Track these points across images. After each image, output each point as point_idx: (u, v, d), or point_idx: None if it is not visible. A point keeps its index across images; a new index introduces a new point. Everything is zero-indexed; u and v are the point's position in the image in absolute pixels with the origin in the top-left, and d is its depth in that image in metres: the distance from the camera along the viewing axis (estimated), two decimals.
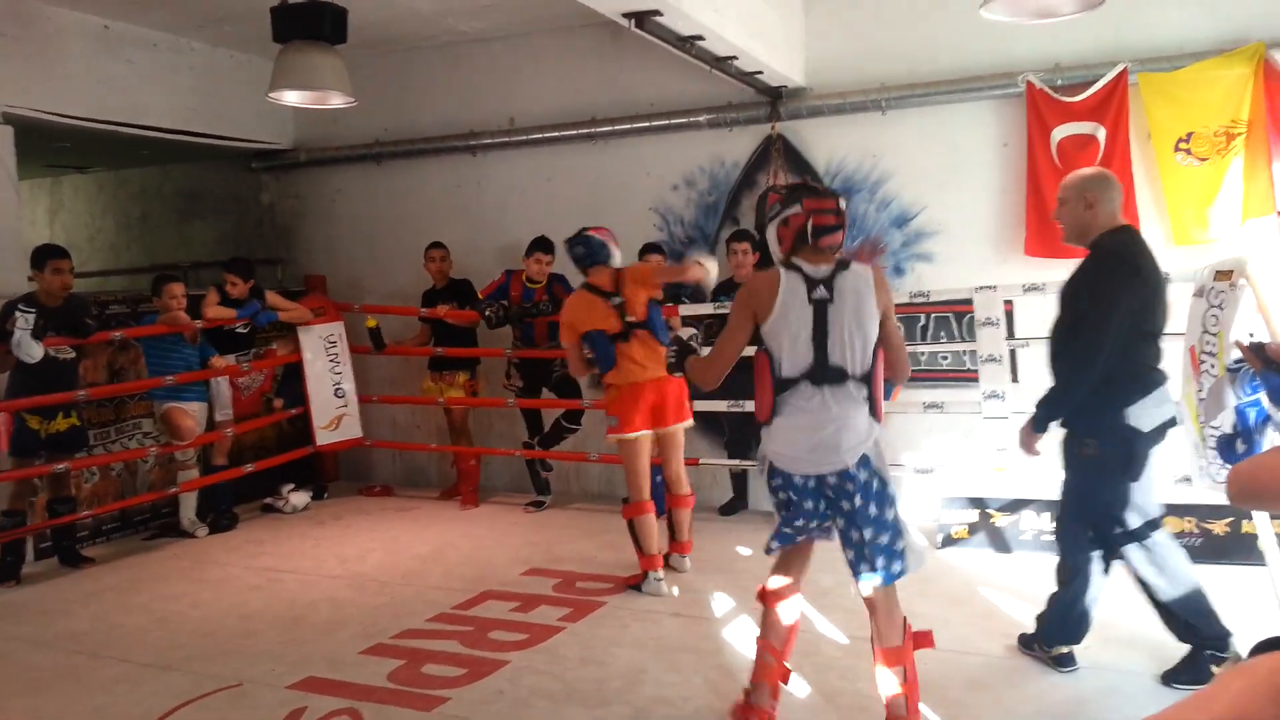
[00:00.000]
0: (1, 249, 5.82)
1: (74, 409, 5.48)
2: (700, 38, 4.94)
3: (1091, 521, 3.52)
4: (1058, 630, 3.65)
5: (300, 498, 6.87)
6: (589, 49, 6.77)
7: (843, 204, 3.11)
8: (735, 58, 5.37)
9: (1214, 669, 3.44)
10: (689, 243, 6.62)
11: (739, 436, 6.14)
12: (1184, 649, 3.54)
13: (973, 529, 5.29)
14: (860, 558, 3.03)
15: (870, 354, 3.00)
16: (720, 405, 5.99)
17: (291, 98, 5.45)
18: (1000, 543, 5.21)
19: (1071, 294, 3.50)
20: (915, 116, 5.94)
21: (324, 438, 6.89)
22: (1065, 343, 3.49)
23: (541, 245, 6.30)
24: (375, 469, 7.78)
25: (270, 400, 6.81)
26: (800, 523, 3.13)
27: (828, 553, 5.28)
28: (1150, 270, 3.42)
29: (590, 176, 6.88)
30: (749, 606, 4.49)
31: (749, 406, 5.77)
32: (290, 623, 4.55)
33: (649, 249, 6.23)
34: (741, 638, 4.12)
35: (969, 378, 5.65)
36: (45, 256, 5.32)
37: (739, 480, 6.29)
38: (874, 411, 3.02)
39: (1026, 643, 3.82)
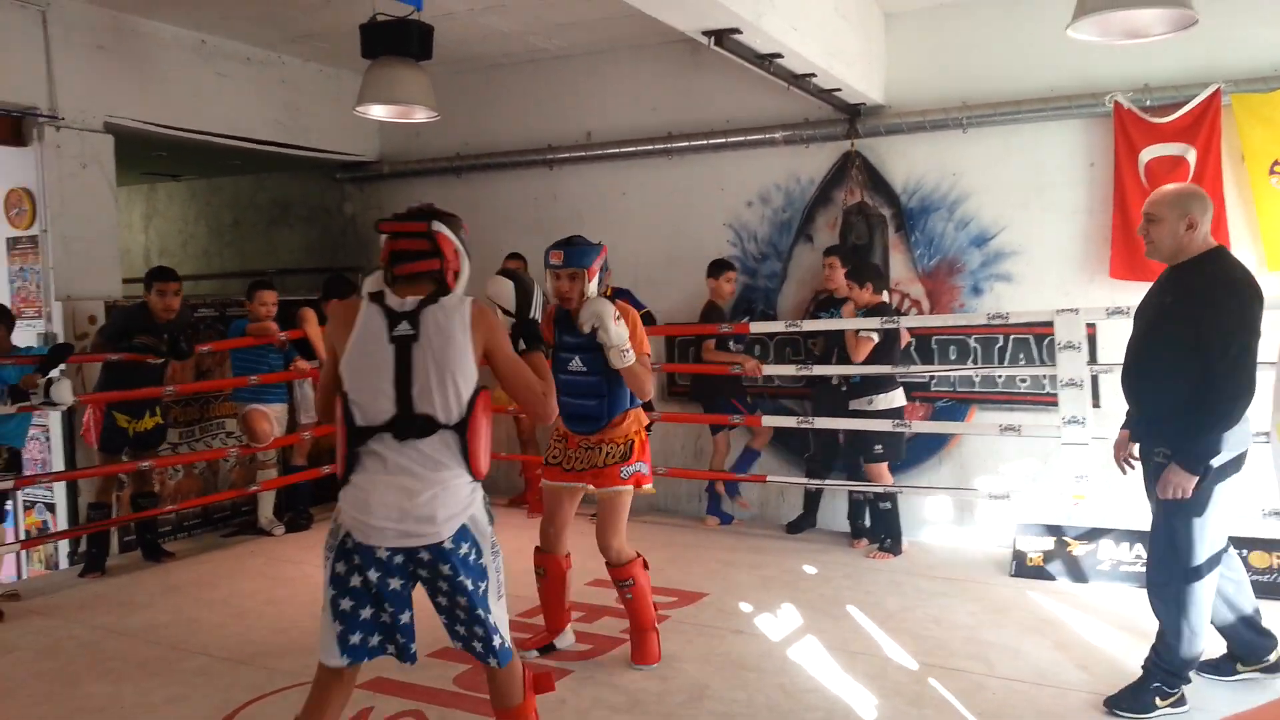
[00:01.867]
0: (99, 254, 6.09)
1: (159, 407, 5.69)
2: (779, 55, 4.94)
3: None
4: None
5: None
6: (667, 66, 6.82)
7: (440, 226, 2.62)
8: (814, 75, 5.35)
9: (1158, 702, 3.41)
10: (762, 259, 6.60)
11: (822, 455, 6.08)
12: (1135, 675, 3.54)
13: (1048, 557, 5.15)
14: (471, 638, 2.65)
15: (466, 400, 2.55)
16: (790, 421, 5.97)
17: (378, 112, 5.60)
18: (1077, 572, 5.06)
19: (1185, 315, 3.31)
20: (998, 135, 5.85)
21: None
22: (1182, 366, 3.28)
23: None
24: None
25: None
26: (358, 637, 2.60)
27: (893, 574, 5.23)
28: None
29: (665, 192, 6.91)
30: (815, 627, 4.45)
31: (820, 423, 5.78)
32: None
33: (722, 266, 6.25)
34: (806, 659, 4.08)
35: (1048, 401, 5.52)
36: (152, 278, 5.55)
37: (811, 498, 6.23)
38: (473, 468, 2.57)
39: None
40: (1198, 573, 3.34)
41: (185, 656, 4.23)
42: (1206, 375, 3.22)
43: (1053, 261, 5.76)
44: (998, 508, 5.72)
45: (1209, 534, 3.33)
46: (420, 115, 5.62)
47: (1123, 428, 3.77)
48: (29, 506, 6.25)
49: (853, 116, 6.15)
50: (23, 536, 6.13)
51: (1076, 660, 3.99)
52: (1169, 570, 3.39)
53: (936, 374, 6.00)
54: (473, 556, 2.57)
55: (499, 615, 2.66)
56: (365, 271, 8.09)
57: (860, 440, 5.66)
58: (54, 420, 5.87)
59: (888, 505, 5.64)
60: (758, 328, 6.13)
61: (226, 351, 6.35)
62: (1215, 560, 3.38)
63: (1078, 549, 5.11)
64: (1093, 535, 5.11)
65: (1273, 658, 3.64)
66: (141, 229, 10.29)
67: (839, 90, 5.72)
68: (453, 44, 6.43)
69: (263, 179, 9.25)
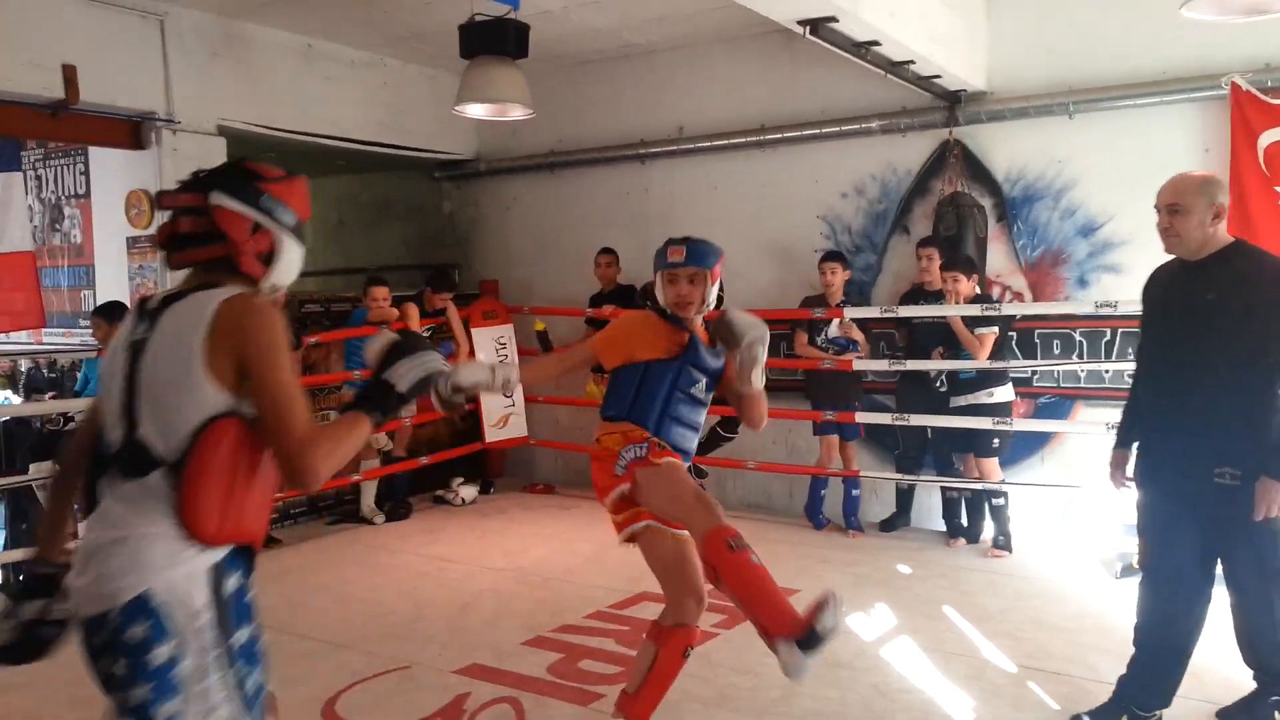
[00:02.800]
0: None
1: None
2: (876, 43, 4.85)
3: None
4: None
5: (469, 491, 7.17)
6: (759, 57, 6.76)
7: (221, 199, 1.95)
8: (912, 62, 5.24)
9: (1278, 716, 3.18)
10: (856, 252, 6.50)
11: (910, 451, 5.97)
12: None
13: None
14: None
15: (191, 429, 1.81)
16: (884, 418, 5.87)
17: (476, 111, 5.70)
18: None
19: (1238, 311, 3.02)
20: (1106, 120, 5.63)
21: (492, 435, 7.17)
22: (1242, 371, 2.99)
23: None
24: (538, 467, 8.01)
25: None
26: None
27: (991, 575, 5.09)
28: None
29: (757, 184, 6.87)
30: (910, 626, 4.37)
31: (916, 420, 5.67)
32: (457, 610, 4.75)
33: (830, 256, 6.09)
34: (901, 658, 4.01)
35: None
36: None
37: (904, 496, 6.12)
38: (188, 523, 1.80)
39: None
40: None
41: (292, 640, 4.39)
42: None
43: (1164, 252, 5.50)
44: (1103, 507, 5.51)
45: None
46: (516, 113, 5.70)
47: (1118, 446, 3.45)
48: None
49: (953, 104, 6.00)
50: None
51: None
52: (1257, 590, 3.14)
53: (1039, 369, 5.82)
54: (159, 648, 1.76)
55: None
56: (459, 267, 8.34)
57: (973, 435, 5.51)
58: None
59: (1001, 501, 5.49)
60: (851, 313, 6.01)
61: (333, 346, 6.57)
62: None
63: None
64: None
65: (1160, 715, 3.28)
66: None
67: (938, 77, 5.58)
68: (548, 42, 6.49)
69: (365, 179, 9.51)
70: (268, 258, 2.00)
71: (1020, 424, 5.63)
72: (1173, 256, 3.25)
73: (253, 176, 2.02)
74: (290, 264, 2.04)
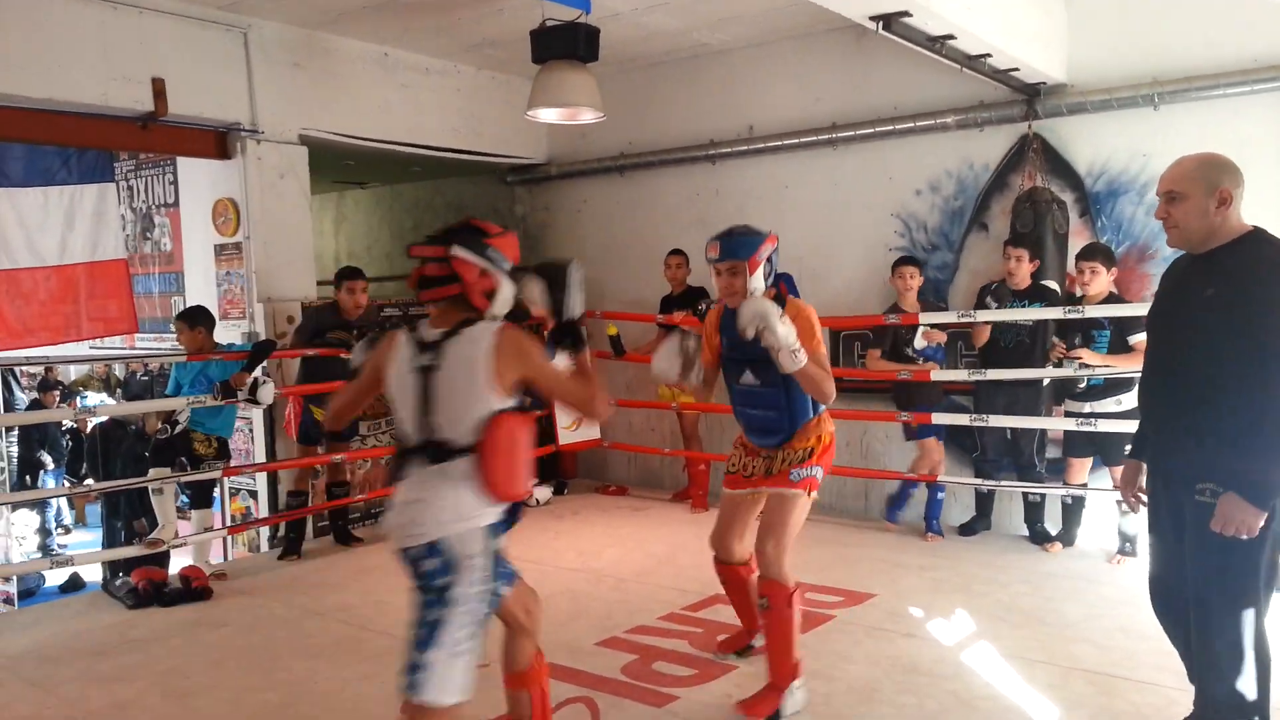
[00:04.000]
0: (294, 257, 6.53)
1: None
2: (951, 37, 4.77)
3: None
4: None
5: (543, 492, 7.23)
6: (830, 54, 6.69)
7: (458, 251, 2.57)
8: (989, 55, 5.13)
9: None
10: (932, 250, 6.39)
11: (991, 455, 5.83)
12: None
13: None
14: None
15: (480, 421, 2.54)
16: (963, 419, 5.75)
17: (547, 115, 5.76)
18: None
19: (1234, 307, 2.68)
20: (1194, 112, 5.43)
21: (566, 437, 7.23)
22: (1233, 374, 2.68)
23: None
24: (611, 469, 8.05)
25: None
26: None
27: (1075, 581, 4.95)
28: None
29: (829, 183, 6.80)
30: (990, 633, 4.28)
31: (996, 421, 5.54)
32: None
33: (905, 261, 5.97)
34: (982, 665, 3.93)
35: None
36: (341, 277, 5.92)
37: (984, 499, 5.99)
38: (492, 487, 2.55)
39: None
40: (1260, 624, 2.78)
41: (374, 636, 4.49)
42: (1268, 382, 2.61)
43: (1168, 245, 5.27)
44: None
45: (1268, 575, 2.77)
46: (587, 116, 5.75)
47: (1130, 456, 3.19)
48: (234, 494, 6.81)
49: (1031, 97, 5.85)
50: (229, 522, 6.68)
51: None
52: (1220, 622, 2.79)
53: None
54: (441, 581, 2.54)
55: (427, 650, 2.54)
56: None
57: (1105, 442, 5.27)
58: (256, 414, 6.36)
59: (1130, 510, 5.28)
60: (935, 318, 5.88)
61: None
62: (1268, 603, 2.81)
63: None
64: None
65: None
66: (332, 234, 10.96)
67: (1016, 70, 5.46)
68: (617, 44, 6.53)
69: (439, 184, 9.68)
70: (490, 294, 2.64)
71: (1107, 425, 5.45)
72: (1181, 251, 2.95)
73: (480, 233, 2.64)
74: (506, 298, 2.67)
